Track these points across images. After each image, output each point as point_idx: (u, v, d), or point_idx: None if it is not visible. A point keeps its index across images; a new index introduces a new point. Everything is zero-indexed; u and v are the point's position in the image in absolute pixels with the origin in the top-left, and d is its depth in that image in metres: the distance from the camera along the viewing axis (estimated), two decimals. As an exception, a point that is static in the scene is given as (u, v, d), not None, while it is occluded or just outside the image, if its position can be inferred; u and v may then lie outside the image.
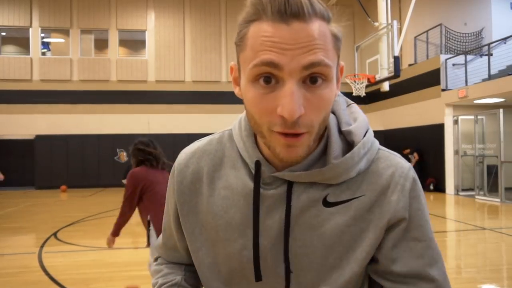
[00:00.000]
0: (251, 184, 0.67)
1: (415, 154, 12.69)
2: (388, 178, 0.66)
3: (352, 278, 0.67)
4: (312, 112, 0.57)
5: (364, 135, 0.67)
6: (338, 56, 0.64)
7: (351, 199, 0.65)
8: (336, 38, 0.62)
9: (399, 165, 0.68)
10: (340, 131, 0.68)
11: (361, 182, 0.66)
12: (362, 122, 0.69)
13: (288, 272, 0.67)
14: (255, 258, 0.67)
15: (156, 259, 0.88)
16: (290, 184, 0.66)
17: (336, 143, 0.66)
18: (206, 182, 0.73)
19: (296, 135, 0.58)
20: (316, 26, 0.57)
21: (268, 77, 0.57)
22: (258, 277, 0.68)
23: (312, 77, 0.57)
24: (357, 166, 0.65)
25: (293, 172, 0.64)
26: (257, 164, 0.66)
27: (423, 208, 0.67)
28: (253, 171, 0.67)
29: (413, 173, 0.68)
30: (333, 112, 0.70)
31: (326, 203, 0.65)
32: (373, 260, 0.68)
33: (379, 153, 0.69)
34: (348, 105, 0.74)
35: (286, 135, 0.58)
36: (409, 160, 12.68)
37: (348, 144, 0.67)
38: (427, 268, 0.68)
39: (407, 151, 12.91)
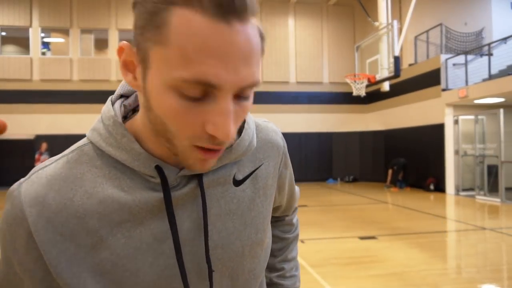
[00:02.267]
0: (153, 194, 0.56)
1: (389, 171, 12.80)
2: (273, 143, 0.71)
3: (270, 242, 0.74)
4: (236, 124, 0.51)
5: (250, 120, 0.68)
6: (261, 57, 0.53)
7: (254, 171, 0.66)
8: (262, 38, 0.51)
9: (276, 131, 0.74)
10: None
11: (256, 153, 0.68)
12: None
13: (210, 272, 0.60)
14: (182, 274, 0.57)
15: None
16: (199, 177, 0.59)
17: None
18: (84, 215, 0.55)
19: (216, 151, 0.52)
20: (253, 28, 0.48)
21: (200, 93, 0.48)
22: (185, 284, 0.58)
23: (243, 90, 0.50)
24: (254, 134, 0.66)
25: None
26: (159, 169, 0.56)
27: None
28: (153, 179, 0.57)
29: (282, 135, 0.75)
30: None
31: (236, 182, 0.64)
32: None
33: (258, 124, 0.71)
34: None
35: (207, 150, 0.51)
36: (397, 177, 12.76)
37: None
38: (292, 215, 0.93)
39: (390, 171, 12.95)
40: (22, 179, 0.58)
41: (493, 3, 13.49)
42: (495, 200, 9.76)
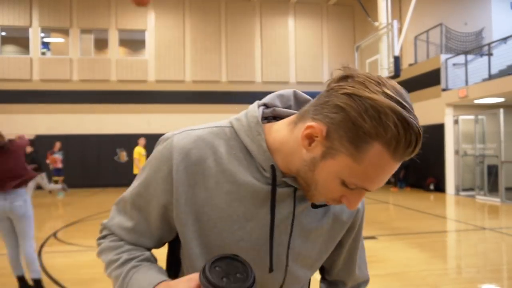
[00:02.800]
0: (260, 184, 0.74)
1: None
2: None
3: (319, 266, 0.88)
4: None
5: None
6: None
7: (327, 205, 0.79)
8: None
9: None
10: None
11: None
12: None
13: (287, 265, 0.79)
14: (270, 250, 0.76)
15: (104, 237, 0.85)
16: (295, 190, 0.76)
17: None
18: (208, 174, 0.74)
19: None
20: None
21: (354, 188, 0.68)
22: (271, 269, 0.77)
23: None
24: None
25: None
26: (273, 168, 0.73)
27: (363, 216, 0.90)
28: (264, 172, 0.74)
29: (363, 203, 0.89)
30: None
31: (314, 205, 0.79)
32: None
33: None
34: None
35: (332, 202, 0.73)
36: (398, 176, 12.82)
37: None
38: (366, 272, 1.00)
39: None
40: (174, 131, 0.78)
41: (493, 3, 13.49)
42: (495, 200, 9.76)
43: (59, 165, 12.32)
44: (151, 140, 14.66)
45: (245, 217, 0.74)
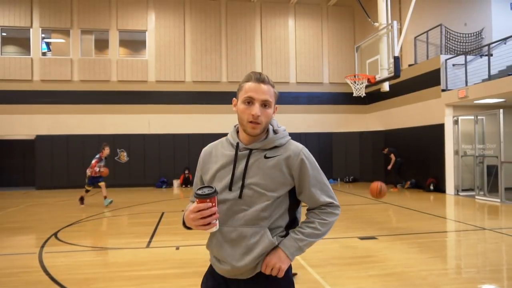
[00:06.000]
0: (233, 152, 1.57)
1: (392, 156, 12.93)
2: (291, 151, 1.54)
3: (279, 192, 1.51)
4: (263, 116, 1.49)
5: (284, 134, 1.61)
6: (275, 101, 1.56)
7: (275, 156, 1.53)
8: (275, 93, 1.55)
9: (297, 148, 1.56)
10: (274, 132, 1.59)
11: (280, 150, 1.55)
12: (282, 129, 1.61)
13: (242, 190, 1.50)
14: (231, 182, 1.52)
15: None
16: (250, 151, 1.54)
17: (270, 133, 1.57)
18: (210, 158, 1.68)
19: (257, 123, 1.49)
20: (269, 86, 1.51)
21: (248, 101, 1.50)
22: (230, 189, 1.52)
23: (264, 104, 1.50)
24: (277, 141, 1.55)
25: (252, 144, 1.55)
26: (237, 143, 1.57)
27: (310, 167, 1.55)
28: (235, 146, 1.57)
29: (302, 152, 1.55)
30: (271, 124, 1.61)
31: (266, 158, 1.53)
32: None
33: (289, 141, 1.59)
34: (279, 127, 1.63)
35: (252, 122, 1.49)
36: (390, 159, 13.02)
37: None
38: (317, 213, 1.61)
39: (386, 150, 13.30)
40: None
41: (493, 4, 13.50)
42: (494, 200, 9.77)
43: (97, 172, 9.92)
44: (151, 140, 14.73)
45: (226, 171, 1.55)
